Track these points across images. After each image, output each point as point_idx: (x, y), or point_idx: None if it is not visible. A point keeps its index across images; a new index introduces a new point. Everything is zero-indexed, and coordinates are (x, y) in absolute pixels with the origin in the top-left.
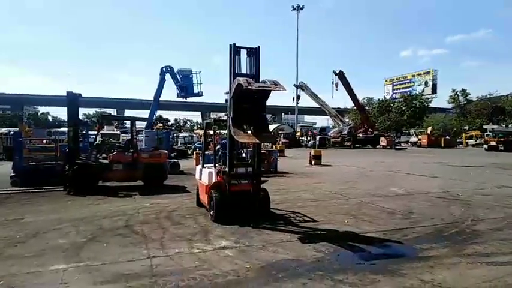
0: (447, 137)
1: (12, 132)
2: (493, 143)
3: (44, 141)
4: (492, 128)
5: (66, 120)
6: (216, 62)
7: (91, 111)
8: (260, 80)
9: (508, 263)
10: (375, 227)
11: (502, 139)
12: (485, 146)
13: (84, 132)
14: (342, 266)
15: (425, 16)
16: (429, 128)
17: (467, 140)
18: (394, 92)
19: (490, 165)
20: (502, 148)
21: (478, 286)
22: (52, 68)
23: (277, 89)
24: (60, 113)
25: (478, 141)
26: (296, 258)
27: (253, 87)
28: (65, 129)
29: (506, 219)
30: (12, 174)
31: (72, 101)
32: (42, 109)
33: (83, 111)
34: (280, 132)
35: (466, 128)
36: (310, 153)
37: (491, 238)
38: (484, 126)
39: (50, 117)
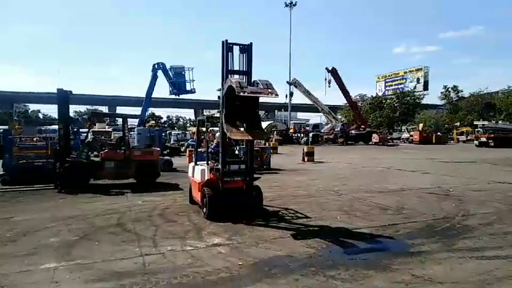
0: (438, 134)
1: (1, 130)
2: (484, 139)
3: (35, 139)
4: (483, 125)
5: (57, 117)
6: (209, 58)
7: (82, 108)
8: (253, 80)
9: (497, 257)
10: (367, 222)
11: (492, 135)
12: (476, 142)
13: (75, 129)
14: (334, 262)
15: (418, 12)
16: (421, 125)
17: (458, 136)
18: (386, 88)
19: (480, 161)
20: (493, 144)
21: (468, 280)
22: (42, 65)
23: (270, 95)
24: (51, 110)
25: (469, 138)
26: (289, 254)
27: (246, 93)
28: (55, 126)
29: (496, 214)
30: (1, 172)
31: (63, 98)
32: (32, 107)
33: (74, 109)
34: (273, 129)
35: (457, 124)
36: (303, 150)
37: (481, 233)
38: (475, 123)
39: (40, 115)
